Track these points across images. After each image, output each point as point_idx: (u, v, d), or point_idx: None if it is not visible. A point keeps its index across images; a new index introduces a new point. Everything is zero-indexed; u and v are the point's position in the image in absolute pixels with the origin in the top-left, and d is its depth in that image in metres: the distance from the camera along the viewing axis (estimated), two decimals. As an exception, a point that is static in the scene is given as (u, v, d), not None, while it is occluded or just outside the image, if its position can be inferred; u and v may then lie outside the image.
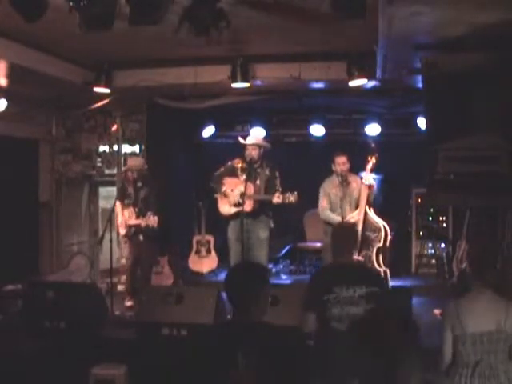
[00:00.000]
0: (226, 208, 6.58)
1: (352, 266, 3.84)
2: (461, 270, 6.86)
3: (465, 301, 3.22)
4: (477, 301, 3.18)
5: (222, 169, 6.71)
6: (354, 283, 3.49)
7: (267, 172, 6.50)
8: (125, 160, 8.35)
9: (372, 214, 6.49)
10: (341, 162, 6.55)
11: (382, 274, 6.40)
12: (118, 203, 6.93)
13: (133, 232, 6.88)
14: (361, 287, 3.48)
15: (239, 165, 6.57)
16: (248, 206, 6.29)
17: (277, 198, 6.14)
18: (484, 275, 3.21)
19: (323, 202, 6.68)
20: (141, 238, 6.89)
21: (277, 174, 6.53)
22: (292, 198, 6.10)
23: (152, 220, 6.63)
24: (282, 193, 6.19)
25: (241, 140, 6.68)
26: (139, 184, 6.96)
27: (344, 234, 3.79)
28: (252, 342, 2.54)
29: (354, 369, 3.45)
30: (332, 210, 6.62)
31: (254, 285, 2.70)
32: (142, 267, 7.03)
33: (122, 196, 7.00)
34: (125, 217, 6.88)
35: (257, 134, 7.31)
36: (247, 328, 2.63)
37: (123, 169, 7.47)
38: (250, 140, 6.62)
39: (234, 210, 6.47)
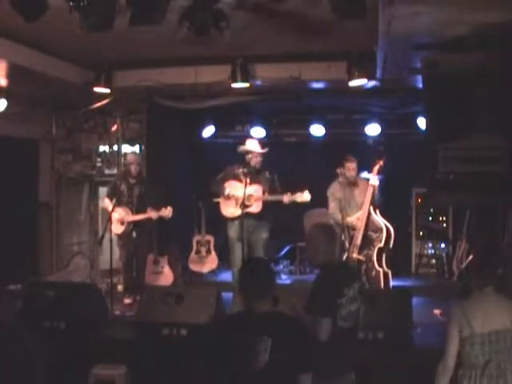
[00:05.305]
0: (230, 210, 6.62)
1: (343, 265, 3.85)
2: (461, 270, 6.86)
3: (471, 302, 3.22)
4: (483, 301, 3.18)
5: (221, 174, 6.74)
6: (351, 281, 3.54)
7: (267, 175, 6.61)
8: (125, 160, 8.36)
9: (375, 215, 6.55)
10: (351, 168, 6.69)
11: (382, 275, 6.43)
12: (107, 200, 6.94)
13: (130, 229, 6.90)
14: (355, 284, 3.55)
15: (240, 170, 6.61)
16: (256, 208, 6.38)
17: (287, 197, 6.21)
18: (489, 278, 3.22)
19: (332, 207, 6.73)
20: (134, 234, 6.94)
21: (275, 176, 6.62)
22: (304, 196, 6.17)
23: (167, 211, 6.67)
24: (293, 192, 6.23)
25: (244, 148, 6.67)
26: (133, 181, 6.99)
27: (330, 233, 3.78)
28: (266, 330, 2.81)
29: (352, 363, 3.54)
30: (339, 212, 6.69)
31: (272, 277, 3.08)
32: (138, 264, 7.08)
33: (112, 194, 7.01)
34: (120, 214, 6.87)
35: (255, 140, 7.30)
36: (263, 317, 2.90)
37: (126, 161, 7.47)
38: (253, 147, 6.64)
39: (239, 211, 6.47)
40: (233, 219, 6.60)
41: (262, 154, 6.63)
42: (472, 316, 3.12)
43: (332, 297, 3.44)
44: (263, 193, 6.46)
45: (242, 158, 6.69)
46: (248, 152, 6.62)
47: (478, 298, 3.22)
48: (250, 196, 6.38)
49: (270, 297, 2.99)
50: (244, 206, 6.42)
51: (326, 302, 3.42)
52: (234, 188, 6.60)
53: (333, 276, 3.57)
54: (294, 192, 6.26)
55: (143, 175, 7.39)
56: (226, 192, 6.60)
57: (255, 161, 6.59)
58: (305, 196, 6.21)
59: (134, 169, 7.00)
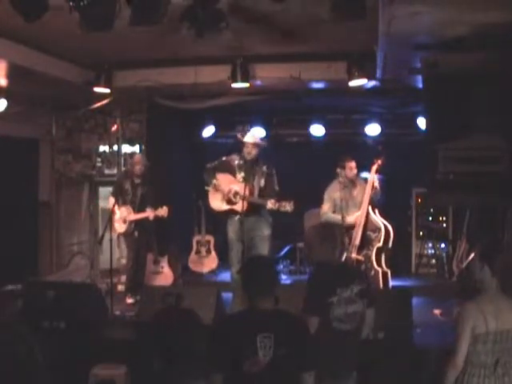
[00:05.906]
0: (217, 203, 6.44)
1: (343, 265, 3.86)
2: (461, 270, 6.87)
3: (485, 299, 3.21)
4: (496, 300, 3.18)
5: (215, 162, 6.55)
6: (350, 282, 3.54)
7: (264, 169, 6.42)
8: (125, 160, 8.37)
9: (374, 215, 6.55)
10: (353, 167, 6.69)
11: (381, 275, 6.44)
12: (112, 200, 6.97)
13: (132, 229, 6.95)
14: (355, 285, 3.54)
15: (236, 162, 6.46)
16: (242, 207, 6.25)
17: (271, 205, 5.99)
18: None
19: (325, 207, 6.71)
20: (136, 234, 7.02)
21: (273, 171, 6.47)
22: (288, 207, 5.93)
23: (163, 210, 6.76)
24: (279, 200, 6.04)
25: (241, 137, 6.58)
26: (138, 181, 7.04)
27: (326, 233, 3.79)
28: (269, 327, 2.84)
29: (354, 365, 3.55)
30: (336, 212, 6.69)
31: (275, 275, 3.14)
32: (138, 264, 7.13)
33: (117, 193, 7.05)
34: (123, 214, 6.92)
35: (255, 133, 7.26)
36: (266, 315, 2.93)
37: (132, 161, 7.48)
38: (250, 138, 6.56)
39: (225, 206, 6.36)
40: (221, 214, 6.45)
41: (257, 146, 6.41)
42: (488, 313, 3.11)
43: (322, 295, 3.45)
44: (250, 193, 6.23)
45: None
46: (242, 142, 6.42)
47: (493, 298, 3.20)
48: (236, 193, 6.24)
49: (273, 295, 2.99)
50: (228, 200, 6.34)
51: (315, 300, 3.44)
52: (224, 181, 6.42)
53: (325, 275, 3.59)
54: (279, 200, 6.01)
55: (147, 175, 7.36)
56: (213, 182, 6.45)
57: (248, 151, 6.35)
58: (288, 207, 5.95)
59: (139, 169, 7.03)
